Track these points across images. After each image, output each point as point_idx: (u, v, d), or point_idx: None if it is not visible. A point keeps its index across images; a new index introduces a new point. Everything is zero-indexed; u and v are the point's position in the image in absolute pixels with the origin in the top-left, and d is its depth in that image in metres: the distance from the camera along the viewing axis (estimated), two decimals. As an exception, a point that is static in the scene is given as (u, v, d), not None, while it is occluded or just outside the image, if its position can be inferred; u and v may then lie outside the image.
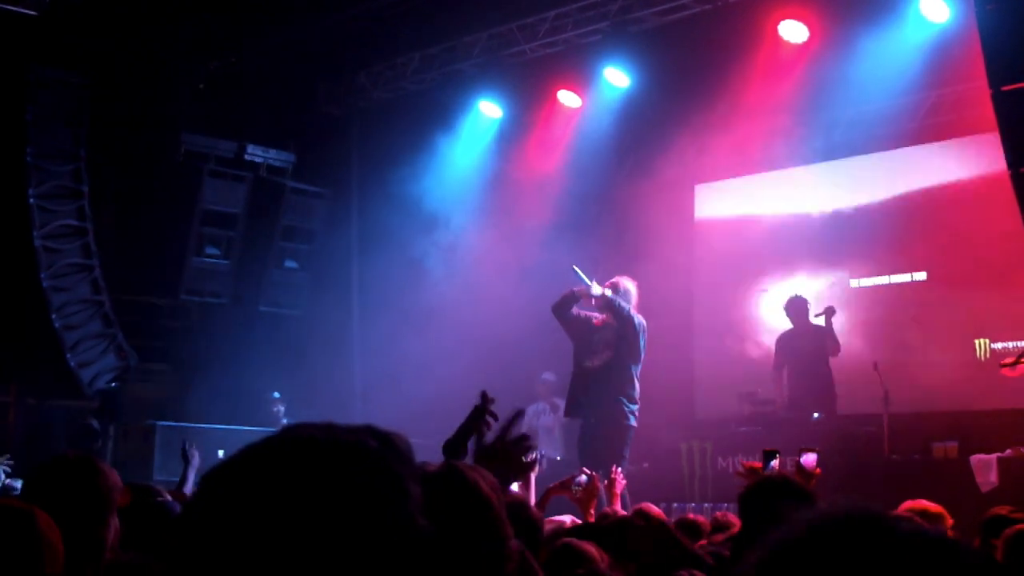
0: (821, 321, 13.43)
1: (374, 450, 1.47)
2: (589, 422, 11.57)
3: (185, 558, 1.42)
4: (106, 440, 14.97)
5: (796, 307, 13.70)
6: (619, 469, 8.58)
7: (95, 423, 15.12)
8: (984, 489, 10.97)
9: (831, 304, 13.56)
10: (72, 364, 15.45)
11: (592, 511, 7.30)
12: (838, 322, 13.53)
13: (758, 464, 7.43)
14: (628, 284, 11.81)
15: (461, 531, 2.71)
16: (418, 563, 1.43)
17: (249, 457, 1.47)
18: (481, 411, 4.68)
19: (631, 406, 11.41)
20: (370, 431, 1.52)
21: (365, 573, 1.39)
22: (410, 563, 1.42)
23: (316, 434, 1.47)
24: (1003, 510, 6.76)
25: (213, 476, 1.47)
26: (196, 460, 7.28)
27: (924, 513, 6.41)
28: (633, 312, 11.58)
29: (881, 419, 12.24)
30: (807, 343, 13.39)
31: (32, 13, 14.12)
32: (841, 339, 13.54)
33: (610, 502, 8.06)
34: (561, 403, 14.62)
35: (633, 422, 11.43)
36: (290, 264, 17.65)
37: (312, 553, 1.37)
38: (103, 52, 15.89)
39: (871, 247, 14.58)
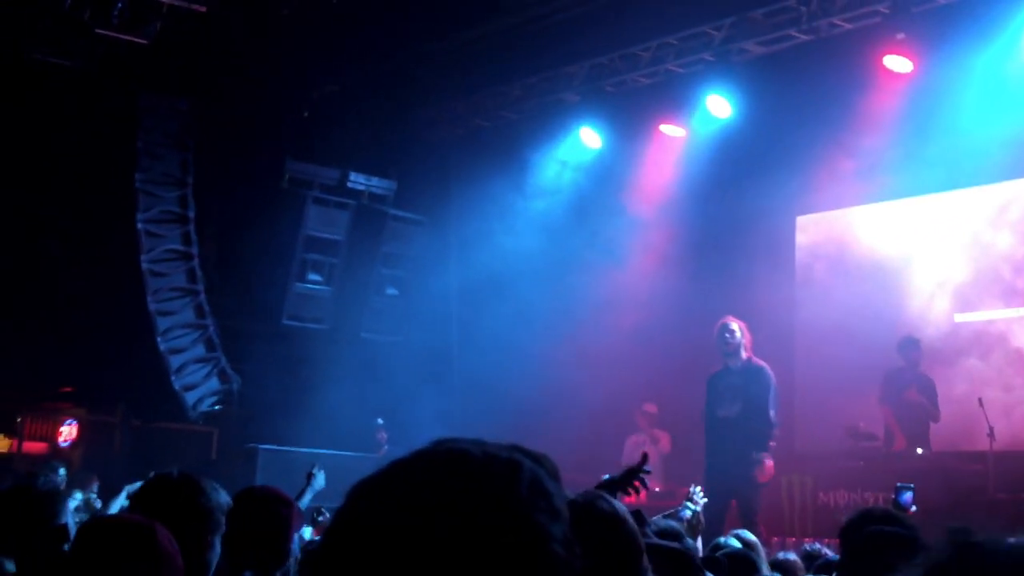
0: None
1: (528, 467, 1.45)
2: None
3: (335, 570, 1.41)
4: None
5: (908, 347, 13.45)
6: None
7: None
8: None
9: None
10: (176, 387, 15.70)
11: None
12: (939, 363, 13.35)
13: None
14: (735, 326, 11.78)
15: (603, 561, 2.73)
16: None
17: (402, 470, 1.45)
18: (635, 472, 4.73)
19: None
20: (520, 449, 1.52)
21: None
22: None
23: (469, 448, 1.46)
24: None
25: (365, 489, 1.45)
26: (320, 483, 7.32)
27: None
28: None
29: (986, 457, 12.02)
30: (914, 382, 13.20)
31: (143, 42, 14.42)
32: (945, 373, 13.36)
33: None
34: (661, 435, 14.58)
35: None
36: (391, 291, 17.78)
37: (462, 565, 1.35)
38: (210, 80, 16.17)
39: (976, 281, 14.34)
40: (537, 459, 1.49)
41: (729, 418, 11.61)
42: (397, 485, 1.43)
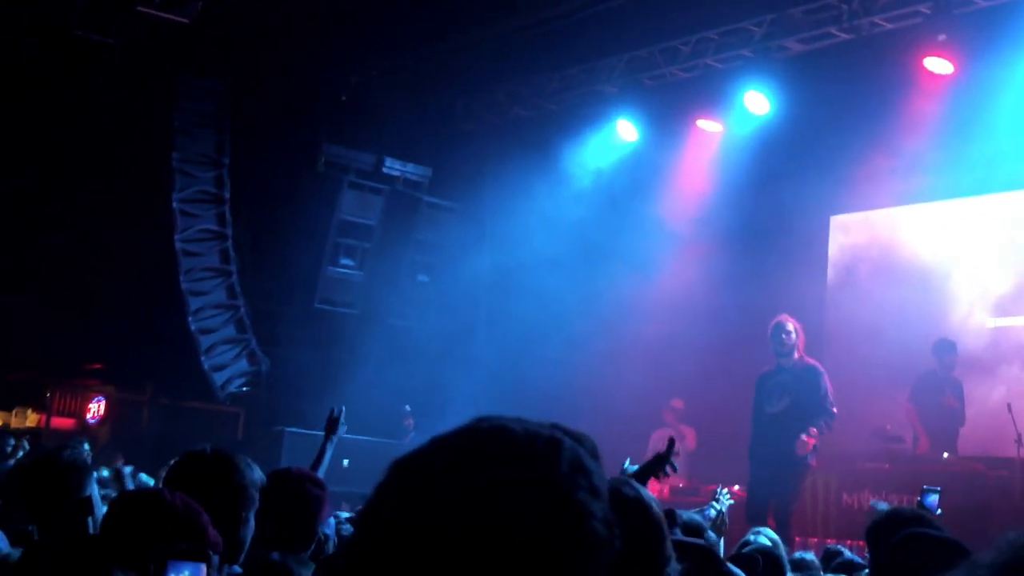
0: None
1: (569, 445, 1.45)
2: None
3: (377, 545, 1.40)
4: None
5: (944, 350, 13.35)
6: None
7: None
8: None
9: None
10: (206, 367, 15.75)
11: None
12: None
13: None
14: (791, 326, 11.80)
15: (627, 546, 2.73)
16: (597, 566, 1.41)
17: (444, 447, 1.44)
18: (664, 458, 4.73)
19: None
20: (560, 428, 1.51)
21: (557, 566, 1.37)
22: (591, 564, 1.40)
23: (511, 426, 1.46)
24: None
25: (407, 465, 1.45)
26: (342, 430, 7.14)
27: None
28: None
29: (1014, 463, 11.95)
30: (945, 385, 13.13)
31: (184, 21, 14.45)
32: (976, 378, 13.29)
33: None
34: (688, 431, 14.55)
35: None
36: (422, 278, 17.79)
37: (504, 541, 1.35)
38: (248, 61, 16.20)
39: (1015, 286, 14.21)
40: (577, 438, 1.49)
41: (776, 414, 11.66)
42: (439, 462, 1.42)
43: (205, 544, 3.28)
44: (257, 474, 4.30)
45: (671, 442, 4.95)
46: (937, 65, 13.31)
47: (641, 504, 3.18)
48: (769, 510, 11.37)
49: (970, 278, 14.54)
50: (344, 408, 7.19)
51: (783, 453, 11.40)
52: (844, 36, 13.77)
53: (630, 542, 2.90)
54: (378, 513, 1.42)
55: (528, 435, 1.44)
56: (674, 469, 4.82)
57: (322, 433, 7.09)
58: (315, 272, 16.89)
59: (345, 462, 13.45)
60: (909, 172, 14.60)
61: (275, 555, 4.19)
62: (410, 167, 17.41)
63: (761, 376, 12.06)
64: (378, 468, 1.52)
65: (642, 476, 4.69)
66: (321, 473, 6.53)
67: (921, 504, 7.24)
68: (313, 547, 4.79)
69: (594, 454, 1.49)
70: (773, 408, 11.68)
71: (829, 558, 6.90)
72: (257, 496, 4.21)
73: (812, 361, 11.95)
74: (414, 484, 1.41)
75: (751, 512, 11.14)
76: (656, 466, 4.77)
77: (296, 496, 4.68)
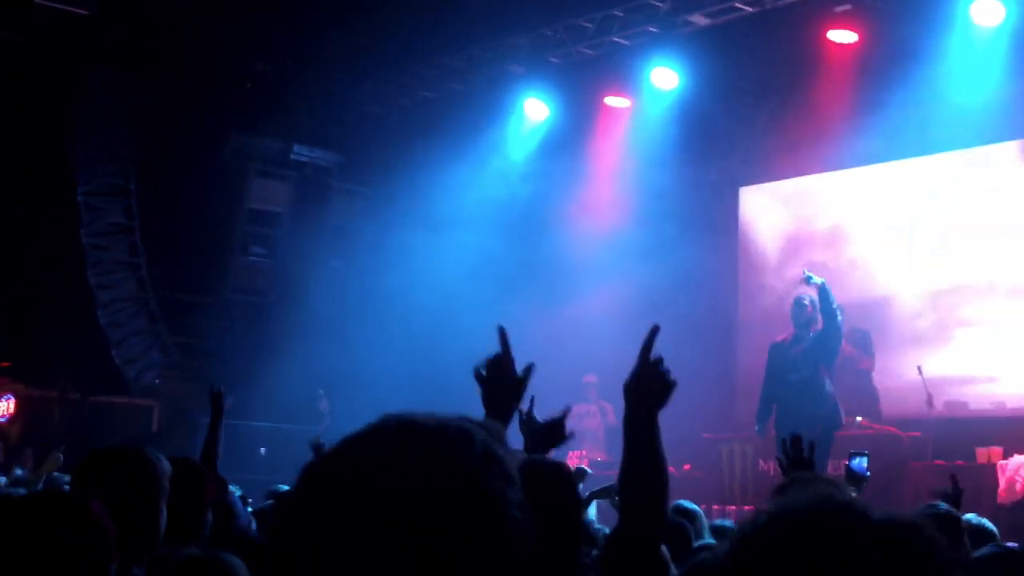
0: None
1: (480, 435, 1.45)
2: None
3: (297, 549, 1.39)
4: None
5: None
6: None
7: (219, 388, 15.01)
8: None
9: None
10: (117, 360, 15.57)
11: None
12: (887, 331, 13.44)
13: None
14: (807, 300, 12.20)
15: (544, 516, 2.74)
16: (517, 552, 1.42)
17: (356, 446, 1.44)
18: (555, 424, 4.67)
19: None
20: (468, 419, 1.50)
21: (474, 560, 1.38)
22: (511, 550, 1.41)
23: (421, 420, 1.46)
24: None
25: (320, 468, 1.44)
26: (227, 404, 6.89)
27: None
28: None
29: (926, 423, 12.17)
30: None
31: (83, 12, 14.23)
32: (891, 344, 13.50)
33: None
34: (608, 406, 14.56)
35: None
36: (335, 263, 17.68)
37: (423, 535, 1.35)
38: (152, 52, 15.98)
39: (922, 251, 14.39)
40: (485, 427, 1.50)
41: (800, 380, 11.91)
42: (353, 462, 1.42)
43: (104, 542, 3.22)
44: (166, 465, 4.26)
45: (565, 411, 4.90)
46: (841, 35, 13.45)
47: (555, 475, 3.20)
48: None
49: (881, 245, 14.71)
50: (223, 388, 6.98)
51: (813, 416, 11.45)
52: (749, 9, 13.84)
53: (546, 515, 2.91)
54: (295, 518, 1.42)
55: (438, 428, 1.45)
56: (565, 437, 4.77)
57: (240, 422, 6.95)
58: (226, 261, 16.74)
59: (262, 450, 13.38)
60: (816, 142, 14.75)
61: (193, 550, 4.15)
62: (319, 153, 17.30)
63: (776, 345, 12.32)
64: (295, 455, 1.50)
65: (541, 448, 4.66)
66: (219, 455, 6.45)
67: (849, 468, 7.28)
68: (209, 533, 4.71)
69: (502, 441, 1.50)
70: (798, 375, 11.94)
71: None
72: (168, 486, 4.18)
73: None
74: (329, 487, 1.40)
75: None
76: (551, 432, 4.73)
77: (176, 486, 4.58)
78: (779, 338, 12.37)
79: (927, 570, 1.33)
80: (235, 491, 6.70)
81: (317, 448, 6.59)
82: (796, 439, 5.29)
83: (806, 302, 12.08)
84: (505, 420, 3.73)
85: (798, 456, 5.18)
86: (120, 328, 15.63)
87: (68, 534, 3.16)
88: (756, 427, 12.39)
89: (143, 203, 16.17)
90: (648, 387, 3.37)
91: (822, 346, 11.92)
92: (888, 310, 14.26)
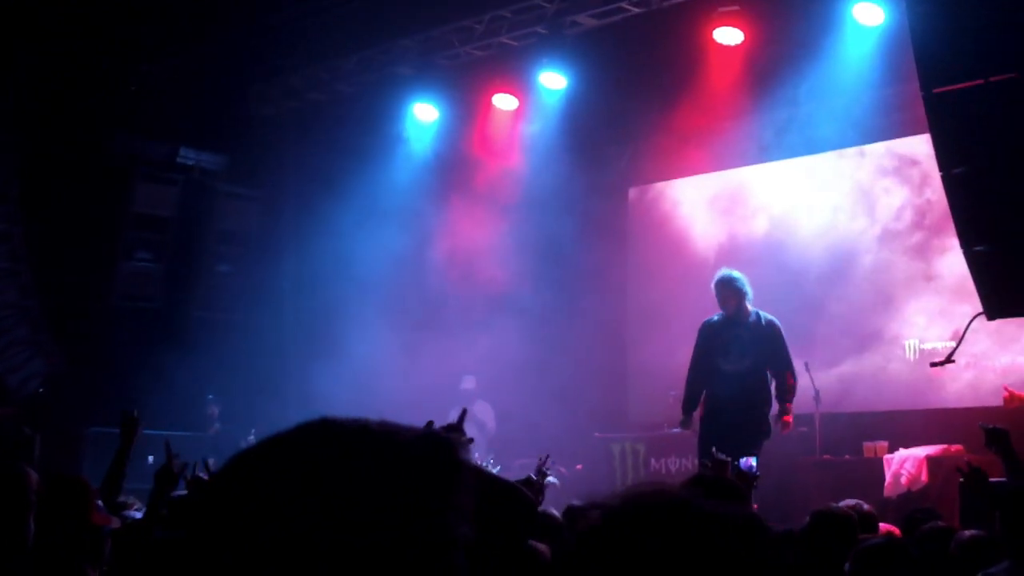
0: None
1: (405, 437, 1.44)
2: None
3: (214, 542, 1.37)
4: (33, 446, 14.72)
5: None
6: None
7: (28, 430, 14.86)
8: (914, 488, 11.07)
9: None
10: (-1, 369, 15.24)
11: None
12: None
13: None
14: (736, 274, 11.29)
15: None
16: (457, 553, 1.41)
17: (277, 447, 1.43)
18: (452, 428, 4.62)
19: None
20: (385, 422, 1.49)
21: (416, 561, 1.36)
22: (445, 563, 1.39)
23: (339, 421, 1.45)
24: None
25: (242, 464, 1.43)
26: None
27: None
28: None
29: (813, 419, 12.30)
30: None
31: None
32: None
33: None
34: (487, 408, 14.48)
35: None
36: (224, 268, 17.43)
37: (344, 545, 1.33)
38: (33, 54, 15.66)
39: (819, 250, 14.49)
40: (407, 428, 1.48)
41: (738, 372, 10.94)
42: (277, 464, 1.40)
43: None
44: (34, 476, 4.19)
45: (463, 412, 4.90)
46: (728, 35, 13.55)
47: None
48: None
49: (775, 244, 14.81)
50: (136, 410, 6.88)
51: (747, 414, 10.77)
52: (636, 10, 13.92)
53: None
54: (217, 515, 1.39)
55: (356, 429, 1.43)
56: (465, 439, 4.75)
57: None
58: (111, 267, 16.42)
59: (150, 459, 13.11)
60: (705, 141, 14.87)
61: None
62: (205, 156, 17.05)
63: (708, 324, 11.29)
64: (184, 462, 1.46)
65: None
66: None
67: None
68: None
69: (457, 449, 1.49)
70: (733, 366, 10.92)
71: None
72: (34, 499, 4.12)
73: (770, 316, 11.27)
74: (254, 487, 1.39)
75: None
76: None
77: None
78: (712, 317, 11.30)
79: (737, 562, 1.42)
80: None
81: (167, 446, 6.45)
82: (720, 464, 5.16)
83: (735, 275, 11.09)
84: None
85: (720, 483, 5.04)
86: (1, 336, 15.28)
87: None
88: (681, 418, 11.35)
89: (26, 208, 15.81)
90: None
91: (768, 345, 11.01)
92: (775, 310, 14.39)
